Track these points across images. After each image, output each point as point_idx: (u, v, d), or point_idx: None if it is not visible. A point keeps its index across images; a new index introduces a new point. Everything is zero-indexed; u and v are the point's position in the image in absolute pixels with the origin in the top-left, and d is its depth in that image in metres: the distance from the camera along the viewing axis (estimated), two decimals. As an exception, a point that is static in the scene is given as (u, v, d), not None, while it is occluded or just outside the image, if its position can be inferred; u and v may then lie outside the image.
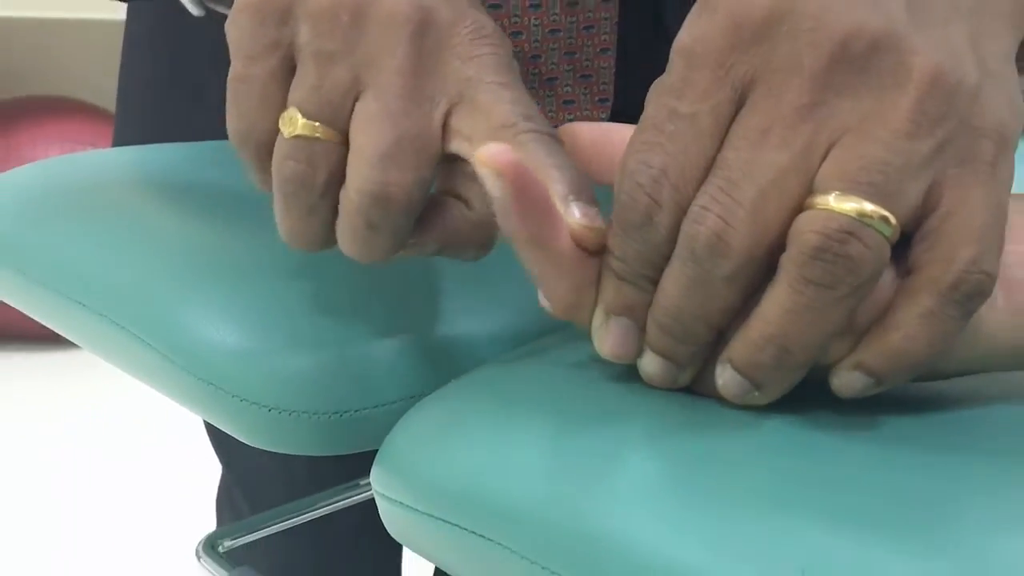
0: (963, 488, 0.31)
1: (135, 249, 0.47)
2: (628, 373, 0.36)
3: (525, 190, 0.31)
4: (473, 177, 0.37)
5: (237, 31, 0.37)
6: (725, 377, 0.33)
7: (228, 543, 0.59)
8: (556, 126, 0.57)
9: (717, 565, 0.29)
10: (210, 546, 0.58)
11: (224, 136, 0.40)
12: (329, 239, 0.38)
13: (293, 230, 0.38)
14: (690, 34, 0.32)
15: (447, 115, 0.37)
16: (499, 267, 0.42)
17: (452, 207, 0.39)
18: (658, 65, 0.33)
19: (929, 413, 0.35)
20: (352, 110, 0.36)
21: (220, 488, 0.93)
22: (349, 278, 0.44)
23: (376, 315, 0.43)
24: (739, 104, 0.31)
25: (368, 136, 0.36)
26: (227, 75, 0.39)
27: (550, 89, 0.58)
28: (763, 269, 0.31)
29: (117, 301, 0.46)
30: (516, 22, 0.56)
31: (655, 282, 0.33)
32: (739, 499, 0.30)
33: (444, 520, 0.35)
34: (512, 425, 0.35)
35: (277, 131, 0.37)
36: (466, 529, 0.35)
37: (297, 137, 0.36)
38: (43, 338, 2.03)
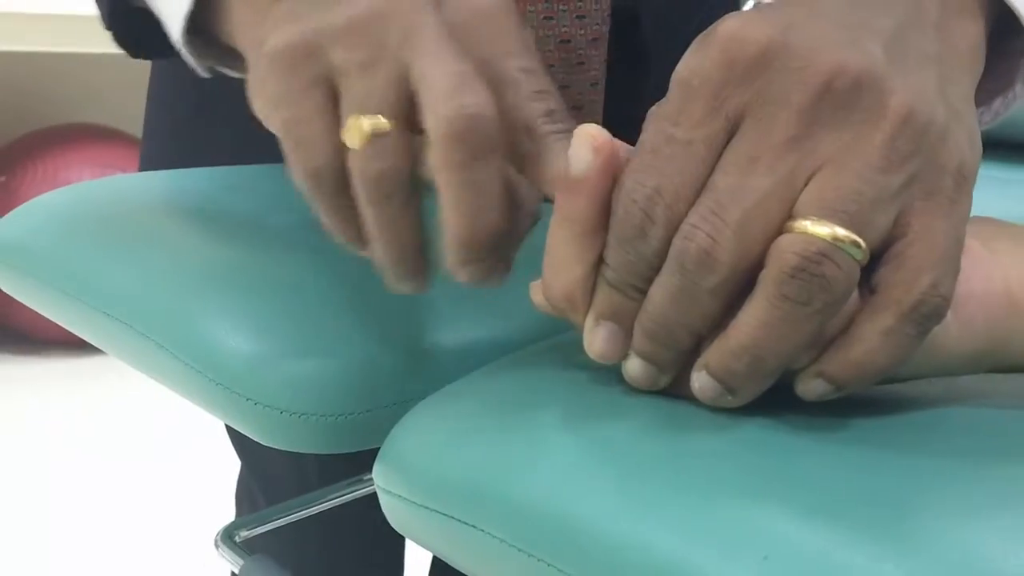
0: (919, 485, 0.31)
1: (158, 265, 0.47)
2: (613, 377, 0.36)
3: (606, 172, 0.32)
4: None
5: (273, 84, 0.35)
6: (701, 381, 0.33)
7: (244, 533, 0.59)
8: None
9: (687, 550, 0.29)
10: (227, 536, 0.58)
11: (242, 161, 0.39)
12: (419, 237, 0.36)
13: (396, 238, 0.35)
14: (688, 67, 0.32)
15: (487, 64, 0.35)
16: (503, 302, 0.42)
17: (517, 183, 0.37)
18: (640, 100, 0.33)
19: (890, 415, 0.35)
20: (407, 95, 0.34)
21: (239, 482, 0.93)
22: (355, 290, 0.44)
23: (379, 323, 0.43)
24: (731, 133, 0.31)
25: (429, 84, 0.33)
26: (245, 104, 0.38)
27: None
28: (742, 284, 0.31)
29: (141, 312, 0.46)
30: None
31: (642, 292, 0.33)
32: (712, 492, 0.30)
33: (442, 513, 0.35)
34: (506, 424, 0.35)
35: (344, 160, 0.35)
36: (462, 521, 0.35)
37: (370, 139, 0.34)
38: (78, 344, 2.03)
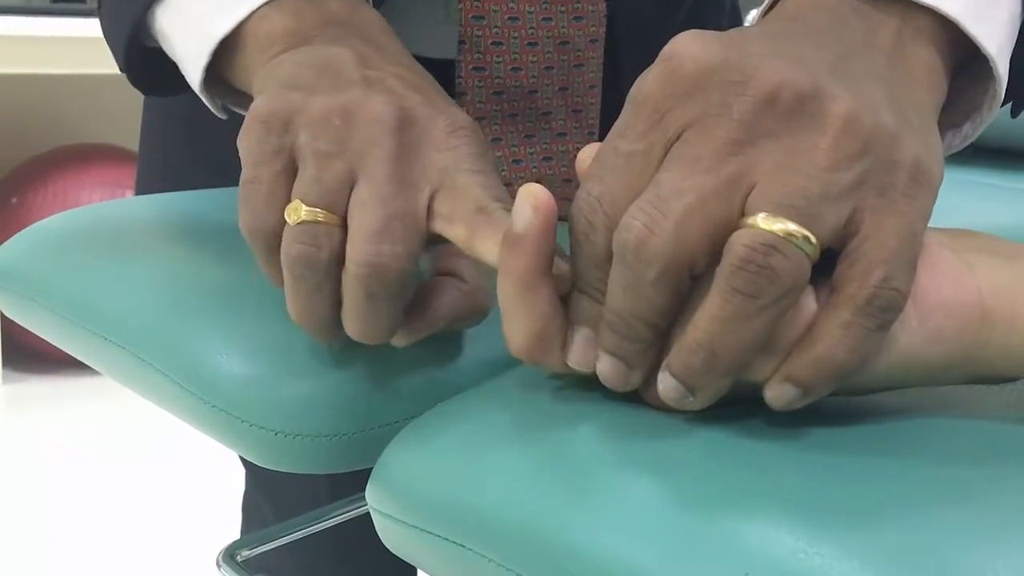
0: (894, 493, 0.31)
1: (154, 288, 0.48)
2: (604, 397, 0.36)
3: (546, 230, 0.33)
4: (461, 253, 0.39)
5: (247, 140, 0.39)
6: (664, 383, 0.33)
7: (246, 553, 0.59)
8: (552, 157, 0.57)
9: (675, 570, 0.29)
10: (229, 556, 0.58)
11: (233, 183, 0.40)
12: (335, 319, 0.39)
13: (302, 311, 0.39)
14: (636, 84, 0.34)
15: (430, 199, 0.38)
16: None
17: (447, 284, 0.40)
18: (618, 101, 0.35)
19: (867, 425, 0.35)
20: (349, 198, 0.38)
21: (246, 496, 0.93)
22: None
23: (370, 345, 0.43)
24: (671, 144, 0.33)
25: (363, 216, 0.37)
26: (237, 127, 0.39)
27: (545, 123, 0.58)
28: (690, 280, 0.32)
29: (137, 335, 0.46)
30: (516, 59, 0.56)
31: (604, 294, 0.34)
32: (699, 512, 0.30)
33: (433, 533, 0.35)
34: (496, 445, 0.36)
35: (283, 225, 0.38)
36: (453, 541, 0.35)
37: (301, 223, 0.37)
38: (76, 364, 2.04)
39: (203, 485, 1.67)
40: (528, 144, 0.57)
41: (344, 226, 0.38)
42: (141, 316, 0.47)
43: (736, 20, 0.76)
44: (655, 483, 0.32)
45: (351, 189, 0.38)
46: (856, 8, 0.35)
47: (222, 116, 0.49)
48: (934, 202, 0.33)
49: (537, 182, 0.55)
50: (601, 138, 0.58)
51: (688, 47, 0.33)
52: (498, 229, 0.36)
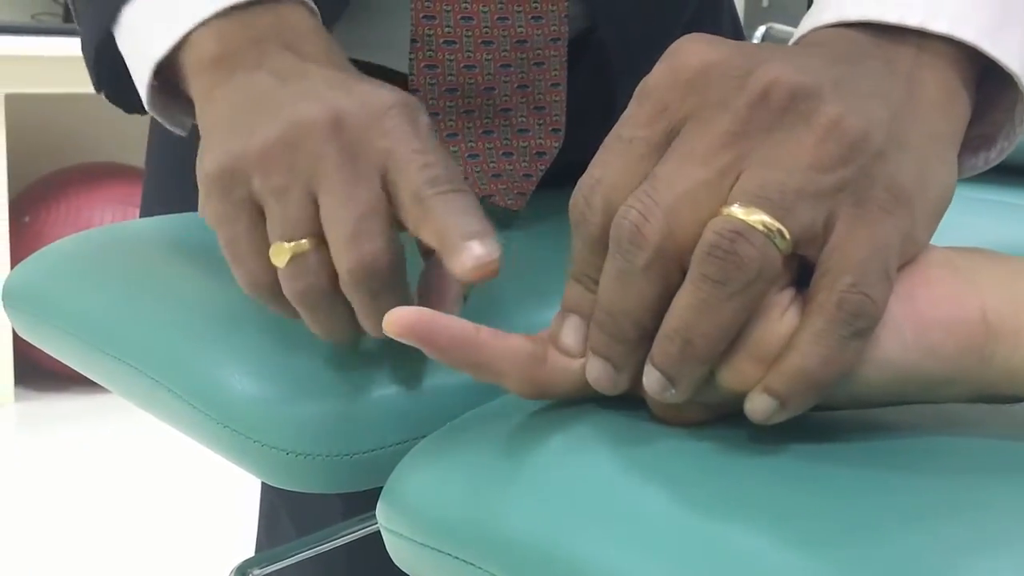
0: (893, 508, 0.31)
1: (165, 309, 0.48)
2: (612, 415, 0.36)
3: (431, 336, 0.35)
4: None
5: (211, 207, 0.41)
6: (648, 376, 0.34)
7: (258, 571, 0.59)
8: (512, 153, 0.58)
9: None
10: (241, 574, 0.58)
11: None
12: (357, 328, 0.41)
13: (327, 332, 0.41)
14: (643, 79, 0.35)
15: (383, 184, 0.39)
16: (491, 321, 0.42)
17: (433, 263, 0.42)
18: (607, 104, 0.36)
19: (865, 443, 0.35)
20: (318, 217, 0.39)
21: (264, 508, 0.92)
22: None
23: (380, 365, 0.44)
24: (673, 135, 0.34)
25: (335, 227, 0.39)
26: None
27: (505, 119, 0.58)
28: (679, 272, 0.33)
29: (149, 356, 0.47)
30: (469, 56, 0.56)
31: (597, 283, 0.35)
32: (711, 531, 0.31)
33: (443, 552, 0.36)
34: (504, 463, 0.36)
35: (275, 270, 0.40)
36: (464, 560, 0.35)
37: (291, 260, 0.39)
38: (87, 383, 2.04)
39: (214, 503, 1.67)
40: (487, 140, 0.58)
41: (327, 242, 0.39)
42: (154, 337, 0.47)
43: (739, 38, 0.76)
44: (667, 502, 0.32)
45: (316, 206, 0.39)
46: (874, 39, 0.36)
47: (182, 133, 0.50)
48: (912, 223, 0.33)
49: (495, 176, 0.56)
50: (567, 135, 0.59)
51: (693, 45, 0.34)
52: (432, 220, 0.38)
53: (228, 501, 1.60)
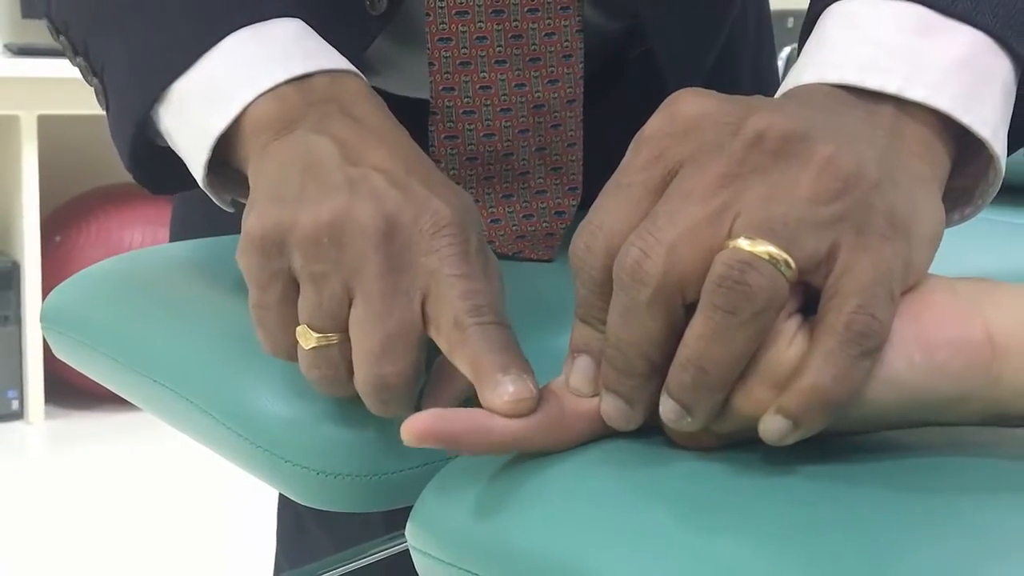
0: (900, 525, 0.32)
1: (200, 332, 0.49)
2: (641, 434, 0.37)
3: (450, 438, 0.35)
4: None
5: (247, 262, 0.41)
6: (664, 405, 0.35)
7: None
8: (533, 215, 0.58)
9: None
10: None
11: None
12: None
13: (335, 397, 0.42)
14: (642, 128, 0.37)
15: (423, 304, 0.40)
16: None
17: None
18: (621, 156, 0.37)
19: (877, 463, 0.36)
20: (349, 314, 0.39)
21: (284, 516, 0.92)
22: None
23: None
24: (669, 179, 0.35)
25: (362, 339, 0.39)
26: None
27: (523, 182, 0.59)
28: (682, 307, 0.34)
29: (185, 378, 0.48)
30: (488, 125, 0.57)
31: (605, 323, 0.35)
32: (735, 554, 0.31)
33: (472, 572, 0.36)
34: (532, 483, 0.36)
35: (297, 344, 0.40)
36: (491, 579, 0.36)
37: (314, 348, 0.40)
38: (117, 401, 2.05)
39: (244, 521, 1.68)
40: (507, 204, 0.58)
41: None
42: (189, 359, 0.48)
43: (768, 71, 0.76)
44: (694, 525, 0.33)
45: (351, 302, 0.39)
46: (854, 98, 0.37)
47: (229, 210, 0.50)
48: (910, 250, 0.34)
49: (519, 238, 0.56)
50: (584, 193, 0.59)
51: (688, 96, 0.36)
52: (469, 350, 0.38)
53: (257, 519, 1.60)
